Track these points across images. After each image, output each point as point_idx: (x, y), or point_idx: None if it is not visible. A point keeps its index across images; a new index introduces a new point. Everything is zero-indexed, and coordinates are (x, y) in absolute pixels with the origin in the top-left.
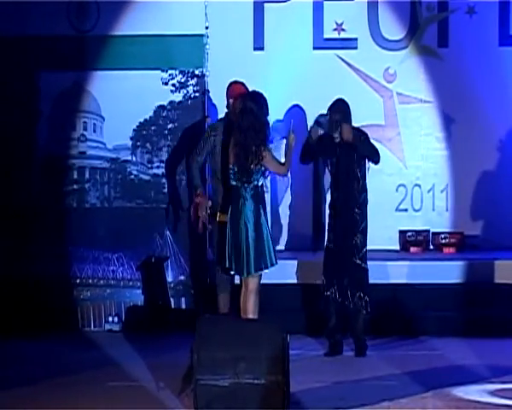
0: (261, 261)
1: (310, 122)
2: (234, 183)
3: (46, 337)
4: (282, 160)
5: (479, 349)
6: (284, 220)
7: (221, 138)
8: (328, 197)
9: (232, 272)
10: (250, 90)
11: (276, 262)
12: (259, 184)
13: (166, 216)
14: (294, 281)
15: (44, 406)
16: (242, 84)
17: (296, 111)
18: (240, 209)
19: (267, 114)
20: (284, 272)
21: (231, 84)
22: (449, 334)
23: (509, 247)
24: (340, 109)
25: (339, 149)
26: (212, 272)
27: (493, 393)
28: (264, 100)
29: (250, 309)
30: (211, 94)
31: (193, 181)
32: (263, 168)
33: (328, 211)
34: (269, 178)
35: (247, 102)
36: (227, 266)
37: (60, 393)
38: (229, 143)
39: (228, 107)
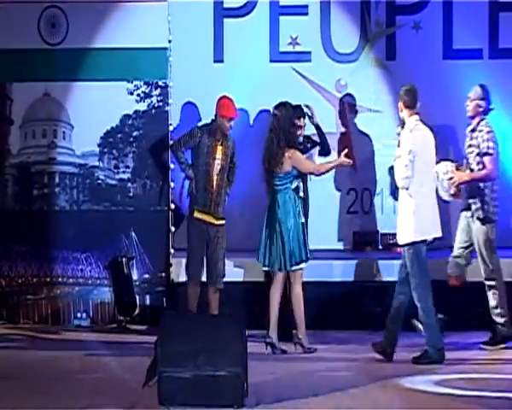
0: (292, 259)
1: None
2: (271, 186)
3: (16, 333)
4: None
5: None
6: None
7: (207, 142)
8: None
9: (265, 268)
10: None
11: (307, 259)
12: (292, 186)
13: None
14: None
15: (16, 397)
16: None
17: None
18: (274, 211)
19: (292, 120)
20: None
21: (224, 99)
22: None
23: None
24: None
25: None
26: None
27: (438, 383)
28: (290, 108)
29: (296, 301)
30: (174, 104)
31: (186, 170)
32: (294, 171)
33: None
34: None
35: (274, 111)
36: (261, 261)
37: (30, 386)
38: (215, 148)
39: (216, 117)
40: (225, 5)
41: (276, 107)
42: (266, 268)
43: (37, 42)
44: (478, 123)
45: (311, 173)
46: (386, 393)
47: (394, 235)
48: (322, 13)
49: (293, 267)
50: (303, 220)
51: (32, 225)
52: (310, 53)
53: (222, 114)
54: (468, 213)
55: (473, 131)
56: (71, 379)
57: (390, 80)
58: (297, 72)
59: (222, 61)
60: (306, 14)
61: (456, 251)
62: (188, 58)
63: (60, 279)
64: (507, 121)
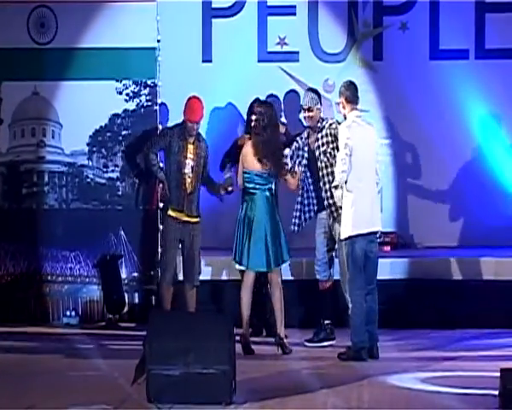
0: (278, 257)
1: None
2: (250, 186)
3: (6, 331)
4: None
5: (411, 340)
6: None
7: (177, 141)
8: None
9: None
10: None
11: (289, 258)
12: (273, 187)
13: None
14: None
15: (6, 395)
16: (198, 103)
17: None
18: (257, 211)
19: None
20: None
21: (190, 101)
22: (384, 326)
23: (436, 246)
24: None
25: None
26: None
27: (425, 380)
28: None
29: (276, 302)
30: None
31: (157, 173)
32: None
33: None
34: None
35: (265, 112)
36: (238, 260)
37: (18, 385)
38: (186, 147)
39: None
40: (214, 5)
41: (262, 104)
42: (243, 268)
43: (26, 41)
44: (330, 125)
45: (290, 185)
46: (373, 390)
47: (382, 233)
48: (310, 13)
49: (279, 266)
50: (278, 218)
51: (21, 223)
52: (298, 53)
53: (185, 119)
54: (324, 214)
55: (323, 136)
56: (60, 377)
57: (377, 80)
58: (285, 71)
59: (210, 61)
60: (294, 14)
61: (322, 254)
62: (176, 58)
63: (49, 277)
64: (493, 121)
